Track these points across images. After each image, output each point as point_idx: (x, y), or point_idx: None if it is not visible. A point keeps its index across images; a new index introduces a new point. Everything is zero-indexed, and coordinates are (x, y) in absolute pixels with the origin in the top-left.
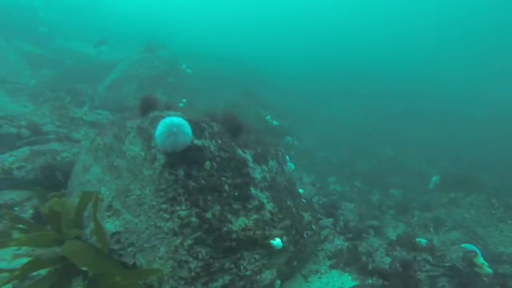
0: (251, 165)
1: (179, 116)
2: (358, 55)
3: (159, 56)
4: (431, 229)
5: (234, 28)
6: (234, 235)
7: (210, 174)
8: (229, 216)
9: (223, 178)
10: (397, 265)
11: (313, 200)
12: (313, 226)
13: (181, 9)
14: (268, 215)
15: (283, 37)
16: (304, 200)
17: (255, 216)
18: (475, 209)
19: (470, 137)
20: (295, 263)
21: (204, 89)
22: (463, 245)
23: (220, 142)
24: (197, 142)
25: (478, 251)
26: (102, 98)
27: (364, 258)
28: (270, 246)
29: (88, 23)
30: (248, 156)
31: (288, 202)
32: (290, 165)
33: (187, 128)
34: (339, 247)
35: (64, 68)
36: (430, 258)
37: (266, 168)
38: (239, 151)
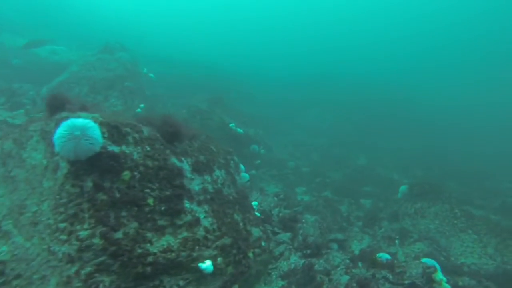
0: (188, 175)
1: (88, 118)
2: (334, 65)
3: (118, 58)
4: (396, 241)
5: (210, 35)
6: (150, 258)
7: (130, 186)
8: (150, 235)
9: (147, 190)
10: (354, 285)
11: (273, 212)
12: (263, 243)
13: (155, 15)
14: (202, 232)
15: (259, 46)
16: (258, 214)
17: (185, 234)
18: (439, 219)
19: (441, 145)
20: (235, 287)
21: (170, 95)
22: (423, 259)
23: (148, 149)
24: (114, 148)
25: (437, 266)
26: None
27: (319, 278)
28: (199, 270)
29: (48, 22)
30: (185, 165)
31: (235, 217)
32: (244, 175)
33: (95, 132)
34: (293, 265)
35: (8, 68)
36: (389, 276)
37: (209, 178)
38: (174, 159)
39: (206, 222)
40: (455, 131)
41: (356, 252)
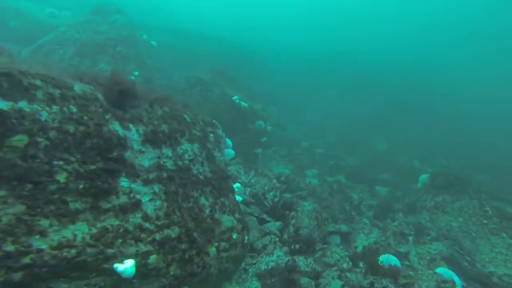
0: (135, 146)
1: None
2: (358, 47)
3: (112, 21)
4: (410, 238)
5: (231, 9)
6: (27, 259)
7: (27, 156)
8: (46, 223)
9: (59, 163)
10: None
11: (267, 196)
12: (235, 235)
13: None
14: (137, 220)
15: (282, 23)
16: (239, 198)
17: (110, 221)
18: (464, 217)
19: (471, 134)
20: None
21: (175, 65)
22: (438, 269)
23: (74, 110)
24: None
25: (457, 280)
26: None
27: (303, 282)
28: (115, 272)
29: None
30: (133, 134)
31: (202, 201)
32: (229, 152)
33: None
34: (272, 264)
35: (5, 30)
36: (392, 287)
37: (169, 152)
38: (116, 126)
39: (150, 207)
40: (486, 122)
41: (360, 248)
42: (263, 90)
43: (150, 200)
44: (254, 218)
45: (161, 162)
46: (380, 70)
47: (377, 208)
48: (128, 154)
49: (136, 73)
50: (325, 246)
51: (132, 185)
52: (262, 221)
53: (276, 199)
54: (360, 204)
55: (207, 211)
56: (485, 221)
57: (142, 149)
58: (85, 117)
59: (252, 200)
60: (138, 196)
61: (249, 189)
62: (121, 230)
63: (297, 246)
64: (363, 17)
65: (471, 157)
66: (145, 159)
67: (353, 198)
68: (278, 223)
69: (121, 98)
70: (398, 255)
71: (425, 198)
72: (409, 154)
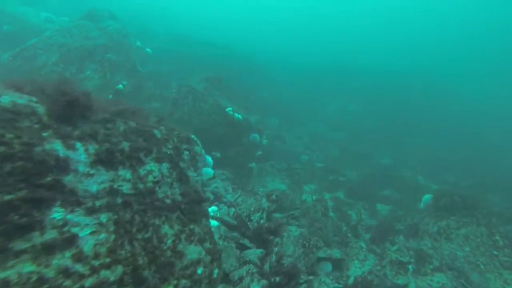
0: (81, 169)
1: None
2: (365, 60)
3: (104, 27)
4: (410, 267)
5: (234, 18)
6: None
7: None
8: None
9: None
10: None
11: (252, 218)
12: (200, 270)
13: None
14: (65, 261)
15: (288, 30)
16: (215, 222)
17: (22, 267)
18: (471, 246)
19: (482, 152)
20: None
21: (172, 74)
22: None
23: None
24: None
25: None
26: (4, 67)
27: None
28: None
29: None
30: (79, 154)
31: (164, 230)
32: (207, 171)
33: None
34: None
35: None
36: None
37: (128, 174)
38: (55, 145)
39: (90, 242)
40: (497, 140)
41: (352, 279)
42: (264, 100)
43: (92, 233)
44: (233, 245)
45: (115, 186)
46: (387, 82)
47: (376, 230)
48: (68, 179)
49: (125, 82)
50: (311, 277)
51: (69, 216)
52: (243, 247)
53: (262, 221)
54: (357, 225)
55: (169, 241)
56: (495, 252)
57: (91, 172)
58: (9, 135)
59: (235, 223)
60: (74, 230)
61: (233, 209)
62: (33, 279)
63: (277, 278)
64: (372, 29)
65: (480, 175)
66: (94, 183)
67: (351, 218)
68: (259, 251)
69: (69, 111)
70: (395, 287)
71: (427, 221)
72: (414, 169)
